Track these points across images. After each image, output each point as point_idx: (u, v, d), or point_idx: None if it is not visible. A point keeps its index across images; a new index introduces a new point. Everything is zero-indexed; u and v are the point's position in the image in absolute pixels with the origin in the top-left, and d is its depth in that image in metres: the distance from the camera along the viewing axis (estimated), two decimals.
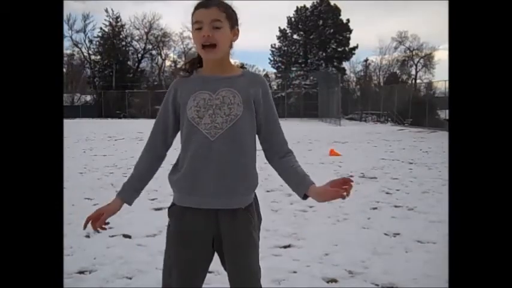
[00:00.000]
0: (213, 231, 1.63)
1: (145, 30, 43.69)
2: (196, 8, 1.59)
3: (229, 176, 1.58)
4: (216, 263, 1.73)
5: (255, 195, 1.70)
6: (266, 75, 46.48)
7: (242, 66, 1.72)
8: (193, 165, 1.59)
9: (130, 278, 3.00)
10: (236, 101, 1.59)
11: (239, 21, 1.66)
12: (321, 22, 42.27)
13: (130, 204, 1.69)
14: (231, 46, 1.65)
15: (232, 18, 1.62)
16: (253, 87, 1.63)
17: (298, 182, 1.64)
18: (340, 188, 1.52)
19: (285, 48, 43.88)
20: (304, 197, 1.63)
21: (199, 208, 1.61)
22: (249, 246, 1.64)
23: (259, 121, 1.65)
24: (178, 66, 43.10)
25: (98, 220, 1.65)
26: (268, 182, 6.80)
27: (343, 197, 1.51)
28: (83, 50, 44.09)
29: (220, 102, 1.59)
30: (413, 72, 43.47)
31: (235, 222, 1.61)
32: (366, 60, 44.33)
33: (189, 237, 1.63)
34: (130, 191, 1.69)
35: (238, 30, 1.65)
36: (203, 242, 1.63)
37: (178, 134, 1.70)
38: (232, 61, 1.70)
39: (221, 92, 1.60)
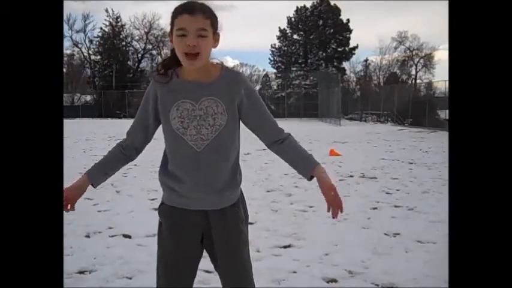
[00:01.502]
0: (202, 229, 1.66)
1: (145, 30, 43.72)
2: (180, 12, 1.52)
3: (217, 182, 1.62)
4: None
5: (241, 191, 1.73)
6: (266, 75, 46.52)
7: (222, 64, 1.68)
8: (181, 174, 1.62)
9: (130, 278, 3.00)
10: (219, 110, 1.59)
11: (219, 27, 1.60)
12: (321, 22, 42.27)
13: (95, 186, 1.67)
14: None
15: (214, 24, 1.57)
16: (234, 89, 1.61)
17: (303, 162, 1.64)
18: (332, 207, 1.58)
19: (285, 48, 43.87)
20: (311, 178, 1.63)
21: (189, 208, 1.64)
22: (240, 241, 1.68)
23: (248, 118, 1.65)
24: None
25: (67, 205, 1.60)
26: (268, 182, 6.80)
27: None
28: (83, 50, 44.15)
29: (204, 113, 1.58)
30: (413, 72, 43.52)
31: (225, 219, 1.64)
32: (366, 60, 44.39)
33: (179, 236, 1.65)
34: (100, 174, 1.68)
35: (219, 36, 1.60)
36: (193, 240, 1.66)
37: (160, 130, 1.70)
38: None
39: (204, 101, 1.58)
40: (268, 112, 1.69)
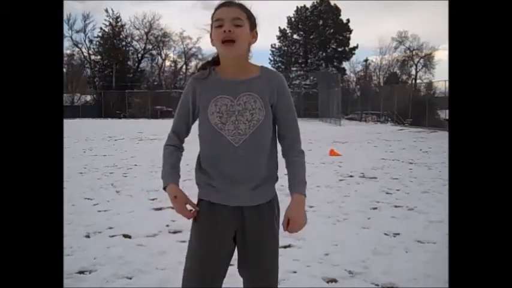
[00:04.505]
0: (236, 226, 1.66)
1: (145, 30, 43.77)
2: (218, 7, 1.62)
3: (254, 177, 1.63)
4: None
5: (274, 189, 1.74)
6: None
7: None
8: (219, 170, 1.63)
9: (130, 278, 3.00)
10: (257, 105, 1.62)
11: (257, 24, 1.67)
12: (321, 22, 42.32)
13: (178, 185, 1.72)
14: (248, 49, 1.67)
15: (252, 19, 1.64)
16: (270, 86, 1.65)
17: (290, 185, 1.68)
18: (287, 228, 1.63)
19: (285, 48, 43.92)
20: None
21: (226, 204, 1.65)
22: (275, 241, 1.70)
23: (275, 116, 1.67)
24: (179, 66, 42.99)
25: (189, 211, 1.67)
26: None
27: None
28: (83, 50, 44.21)
29: (242, 109, 1.61)
30: (413, 72, 43.54)
31: (261, 217, 1.66)
32: (366, 60, 44.42)
33: (215, 232, 1.65)
34: (178, 176, 1.71)
35: (257, 33, 1.67)
36: (227, 237, 1.67)
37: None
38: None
39: (242, 97, 1.62)
40: (296, 120, 1.72)
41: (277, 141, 1.73)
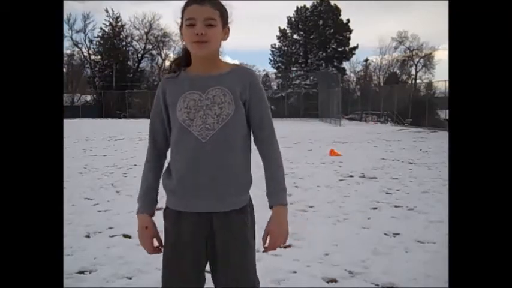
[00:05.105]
0: (206, 236, 1.58)
1: (145, 30, 43.79)
2: (189, 3, 1.55)
3: (222, 178, 1.54)
4: None
5: (250, 200, 1.65)
6: (266, 75, 46.54)
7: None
8: (185, 169, 1.56)
9: (130, 278, 3.00)
10: (227, 99, 1.55)
11: (230, 20, 1.62)
12: (321, 22, 42.31)
13: (153, 215, 1.68)
14: (219, 45, 1.61)
15: (224, 16, 1.58)
16: (242, 82, 1.58)
17: (269, 193, 1.61)
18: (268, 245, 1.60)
19: (285, 48, 43.92)
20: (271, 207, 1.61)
21: (193, 212, 1.58)
22: (245, 249, 1.60)
23: (248, 114, 1.60)
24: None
25: (154, 246, 1.67)
26: None
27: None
28: (83, 50, 44.24)
29: (210, 103, 1.55)
30: (413, 72, 43.54)
31: (230, 225, 1.57)
32: (366, 60, 44.42)
33: (184, 242, 1.59)
34: (148, 203, 1.67)
35: (229, 29, 1.61)
36: (198, 245, 1.59)
37: None
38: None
39: (211, 91, 1.55)
40: (270, 118, 1.64)
41: (252, 142, 1.64)
